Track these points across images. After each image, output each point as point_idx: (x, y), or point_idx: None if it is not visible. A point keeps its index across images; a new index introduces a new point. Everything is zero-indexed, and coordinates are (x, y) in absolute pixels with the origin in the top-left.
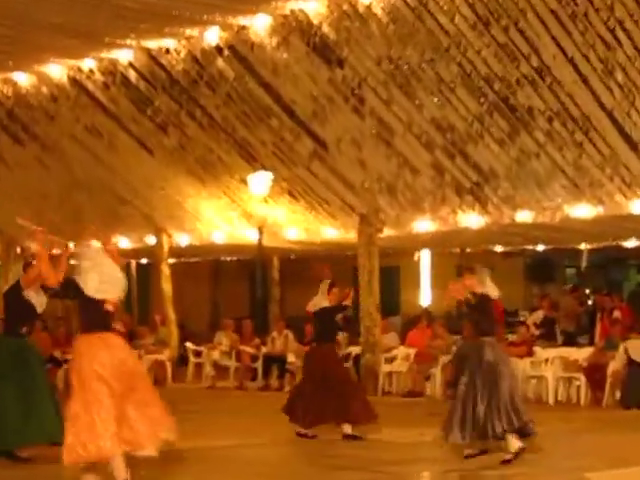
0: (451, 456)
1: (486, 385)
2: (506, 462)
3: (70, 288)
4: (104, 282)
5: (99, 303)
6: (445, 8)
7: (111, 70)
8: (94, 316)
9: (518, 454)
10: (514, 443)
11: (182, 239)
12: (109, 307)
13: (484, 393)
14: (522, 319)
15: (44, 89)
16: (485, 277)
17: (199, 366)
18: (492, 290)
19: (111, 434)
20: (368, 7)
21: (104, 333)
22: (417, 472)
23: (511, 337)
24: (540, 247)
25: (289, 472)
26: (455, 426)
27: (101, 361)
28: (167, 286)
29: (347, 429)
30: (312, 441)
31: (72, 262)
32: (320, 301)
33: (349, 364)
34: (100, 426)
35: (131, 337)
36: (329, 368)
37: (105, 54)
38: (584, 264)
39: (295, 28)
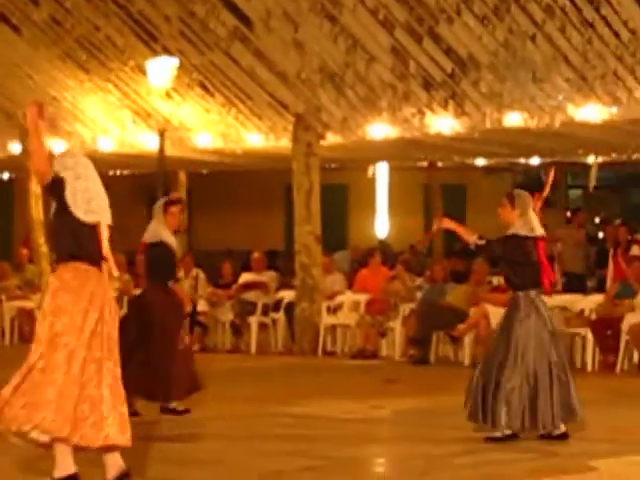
0: (414, 435)
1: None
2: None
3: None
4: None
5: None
6: None
7: None
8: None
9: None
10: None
11: (57, 146)
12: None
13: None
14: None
15: None
16: (528, 208)
17: None
18: (529, 226)
19: None
20: None
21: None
22: (369, 458)
23: (496, 280)
24: (534, 160)
25: (202, 458)
26: None
27: None
28: (37, 209)
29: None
30: (235, 420)
31: None
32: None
33: (279, 314)
34: None
35: None
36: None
37: None
38: (593, 184)
39: None
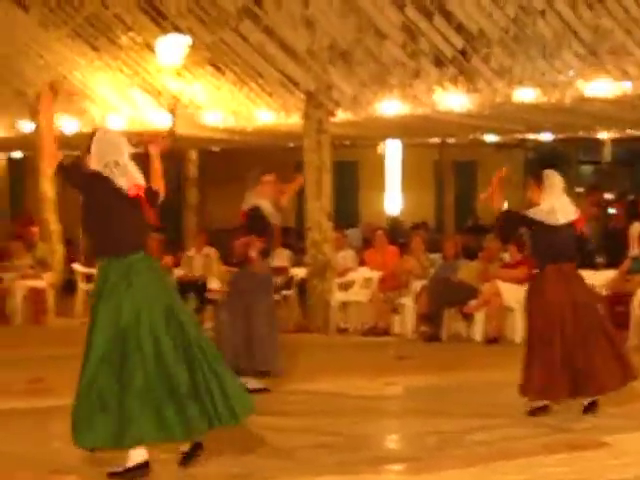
0: (427, 412)
1: None
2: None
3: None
4: None
5: None
6: None
7: None
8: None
9: None
10: None
11: (68, 125)
12: None
13: None
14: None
15: None
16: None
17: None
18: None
19: None
20: None
21: None
22: (382, 434)
23: (508, 257)
24: (546, 136)
25: (213, 435)
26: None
27: None
28: (49, 188)
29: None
30: None
31: None
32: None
33: (292, 291)
34: None
35: (0, 257)
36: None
37: None
38: (605, 159)
39: None
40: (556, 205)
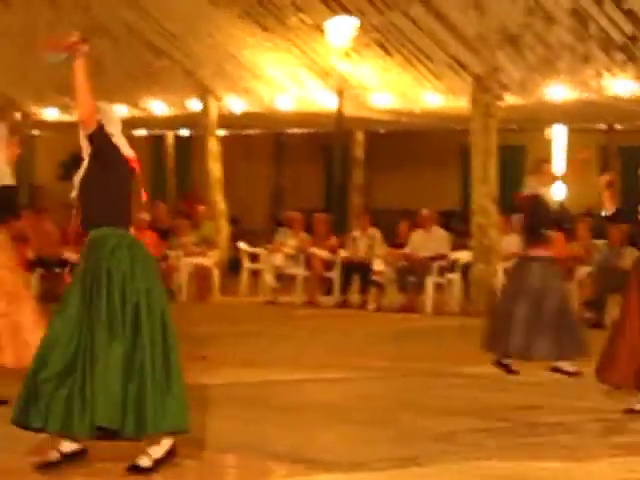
0: (588, 399)
1: None
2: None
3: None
4: None
5: None
6: None
7: None
8: None
9: None
10: None
11: (235, 104)
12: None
13: None
14: None
15: None
16: None
17: (256, 274)
18: None
19: None
20: None
21: None
22: (543, 420)
23: None
24: None
25: (374, 416)
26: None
27: None
28: (215, 166)
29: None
30: (408, 379)
31: None
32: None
33: (455, 275)
34: None
35: (167, 234)
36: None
37: None
38: None
39: None
40: None
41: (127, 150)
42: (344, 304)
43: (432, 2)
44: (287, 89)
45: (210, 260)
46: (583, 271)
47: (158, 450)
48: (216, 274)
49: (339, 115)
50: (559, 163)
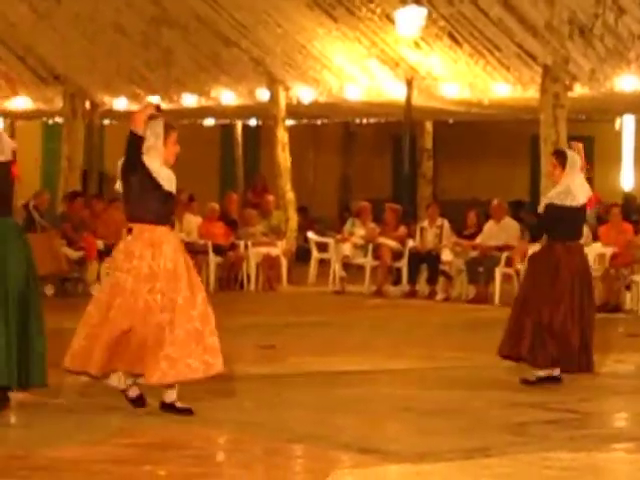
0: None
1: None
2: None
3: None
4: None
5: None
6: None
7: None
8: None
9: None
10: None
11: (304, 94)
12: None
13: None
14: None
15: None
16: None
17: (324, 264)
18: None
19: None
20: None
21: None
22: (611, 412)
23: None
24: None
25: (443, 407)
26: None
27: None
28: (283, 156)
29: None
30: (478, 370)
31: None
32: None
33: (523, 266)
34: None
35: (236, 224)
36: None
37: None
38: None
39: None
40: None
41: None
42: (412, 294)
43: None
44: (356, 79)
45: (278, 250)
46: None
47: None
48: (284, 264)
49: (408, 105)
50: (628, 153)
